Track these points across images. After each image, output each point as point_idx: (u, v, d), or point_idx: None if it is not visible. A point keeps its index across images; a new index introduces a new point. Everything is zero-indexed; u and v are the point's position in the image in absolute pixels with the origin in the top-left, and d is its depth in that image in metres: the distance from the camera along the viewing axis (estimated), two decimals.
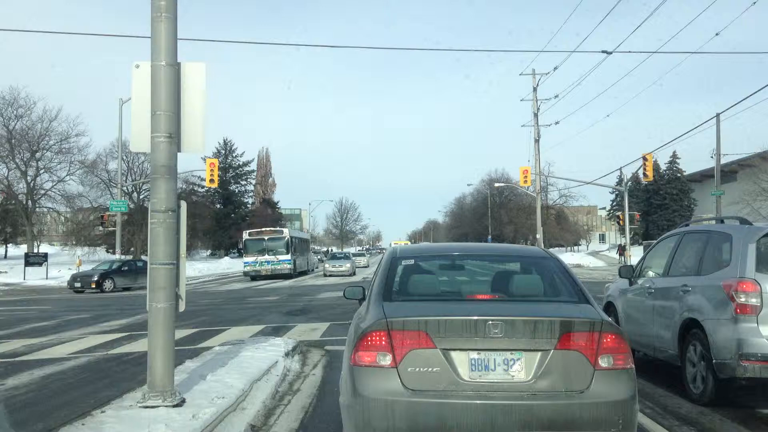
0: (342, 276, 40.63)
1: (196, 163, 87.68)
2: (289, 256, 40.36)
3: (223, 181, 72.59)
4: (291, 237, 41.93)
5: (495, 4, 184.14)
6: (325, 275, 41.99)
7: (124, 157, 50.38)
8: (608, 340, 4.26)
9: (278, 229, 46.62)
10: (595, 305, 4.73)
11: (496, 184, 70.74)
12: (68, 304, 23.18)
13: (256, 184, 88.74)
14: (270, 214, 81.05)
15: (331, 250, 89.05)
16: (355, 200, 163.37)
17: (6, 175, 53.04)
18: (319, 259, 60.55)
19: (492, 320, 4.19)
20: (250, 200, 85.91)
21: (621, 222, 42.51)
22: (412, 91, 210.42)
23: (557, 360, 4.17)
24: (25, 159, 53.09)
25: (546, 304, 4.87)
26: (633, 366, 4.33)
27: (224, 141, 79.23)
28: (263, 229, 45.32)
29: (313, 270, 51.13)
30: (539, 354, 4.18)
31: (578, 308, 4.64)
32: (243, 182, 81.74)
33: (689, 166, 73.50)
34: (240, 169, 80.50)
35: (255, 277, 39.37)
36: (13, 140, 51.90)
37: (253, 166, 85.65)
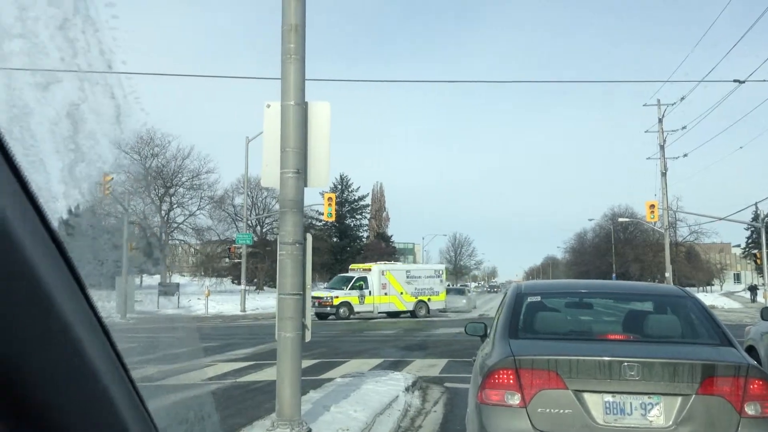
0: (458, 312, 40.14)
1: (314, 197, 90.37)
2: None
3: (340, 215, 74.38)
4: None
5: (617, 34, 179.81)
6: (440, 311, 41.63)
7: (249, 193, 52.87)
8: (755, 386, 3.98)
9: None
10: (739, 348, 4.44)
11: (620, 219, 67.57)
12: (197, 332, 24.31)
13: (370, 218, 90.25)
14: (384, 248, 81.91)
15: (465, 284, 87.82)
16: (470, 235, 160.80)
17: (143, 209, 57.12)
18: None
19: (628, 362, 4.02)
20: (365, 234, 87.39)
21: (758, 261, 39.64)
22: (529, 122, 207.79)
23: (699, 406, 3.93)
24: (159, 194, 56.93)
25: (685, 346, 4.61)
26: None
27: (341, 176, 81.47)
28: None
29: None
30: (680, 399, 3.95)
31: (721, 351, 4.37)
32: (358, 216, 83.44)
33: None
34: (355, 203, 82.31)
35: None
36: (149, 177, 55.82)
37: (368, 200, 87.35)
